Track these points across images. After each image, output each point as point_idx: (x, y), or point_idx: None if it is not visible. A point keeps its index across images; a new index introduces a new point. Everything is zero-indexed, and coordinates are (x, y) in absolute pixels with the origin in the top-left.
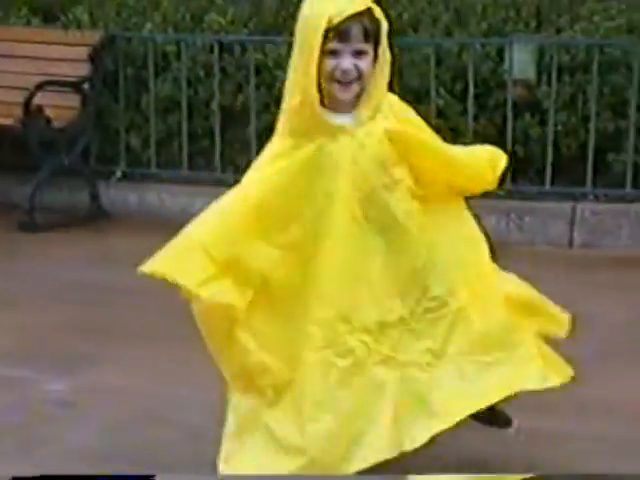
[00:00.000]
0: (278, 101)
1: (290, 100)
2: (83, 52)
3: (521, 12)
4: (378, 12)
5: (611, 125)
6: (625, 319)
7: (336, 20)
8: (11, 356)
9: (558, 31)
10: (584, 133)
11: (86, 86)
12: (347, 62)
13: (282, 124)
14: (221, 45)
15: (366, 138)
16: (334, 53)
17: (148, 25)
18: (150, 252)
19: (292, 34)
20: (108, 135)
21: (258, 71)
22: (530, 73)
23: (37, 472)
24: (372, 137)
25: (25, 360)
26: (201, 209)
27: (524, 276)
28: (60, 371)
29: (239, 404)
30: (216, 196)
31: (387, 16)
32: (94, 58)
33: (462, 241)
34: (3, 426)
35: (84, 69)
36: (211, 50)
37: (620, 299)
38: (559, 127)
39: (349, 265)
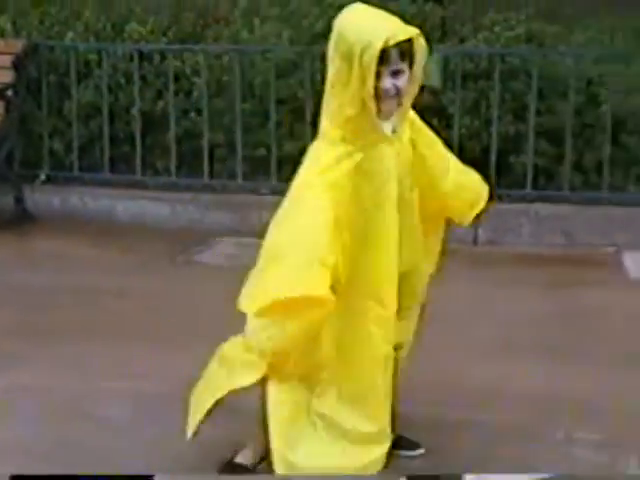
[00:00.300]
0: (196, 107)
1: (344, 111)
2: (7, 60)
3: (427, 22)
4: (419, 37)
5: (512, 129)
6: (526, 312)
7: (390, 43)
8: None
9: (462, 40)
10: (487, 136)
11: (10, 93)
12: (387, 82)
13: (333, 132)
14: (141, 54)
15: (400, 146)
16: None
17: (70, 34)
18: (74, 253)
19: (208, 43)
20: (32, 140)
21: (177, 78)
22: (436, 81)
23: None
24: (403, 144)
25: None
26: (123, 211)
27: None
28: None
29: (283, 399)
30: (136, 198)
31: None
32: (18, 66)
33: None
34: None
35: (8, 76)
36: (131, 58)
37: (521, 294)
38: (463, 131)
39: (395, 267)
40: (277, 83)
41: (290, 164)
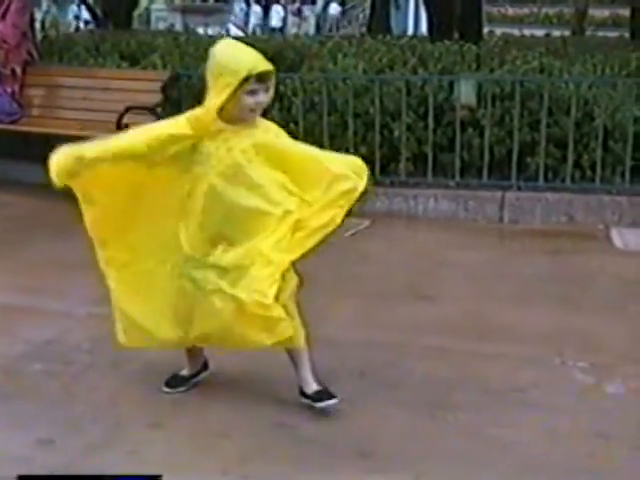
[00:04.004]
0: (294, 120)
1: (200, 109)
2: (157, 85)
3: (465, 57)
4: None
5: (529, 137)
6: (535, 272)
7: (253, 73)
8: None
9: (491, 70)
10: (510, 142)
11: (159, 110)
12: (248, 99)
13: (188, 119)
14: None
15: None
16: (253, 91)
17: (202, 66)
18: None
19: (303, 72)
20: None
21: (280, 98)
22: (472, 100)
23: None
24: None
25: None
26: None
27: (469, 244)
28: None
29: None
30: None
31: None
32: (164, 90)
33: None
34: None
35: (157, 97)
36: None
37: (533, 259)
38: (493, 138)
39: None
40: (354, 102)
41: (364, 162)
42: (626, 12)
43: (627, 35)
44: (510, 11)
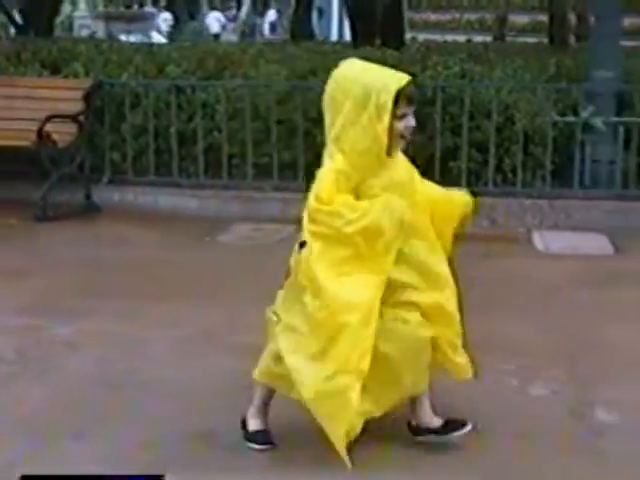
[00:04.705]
0: (217, 127)
1: (356, 146)
2: (79, 94)
3: (387, 63)
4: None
5: (451, 141)
6: (459, 276)
7: (402, 84)
8: (31, 308)
9: (413, 76)
10: (432, 147)
11: (81, 118)
12: (405, 123)
13: (344, 165)
14: (177, 88)
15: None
16: (404, 116)
17: (125, 74)
18: (129, 234)
19: (225, 80)
20: (97, 152)
21: (203, 106)
22: None
23: None
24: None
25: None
26: (164, 204)
27: None
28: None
29: None
30: (173, 194)
31: None
32: (87, 98)
33: None
34: None
35: (80, 106)
36: (169, 91)
37: (456, 263)
38: (415, 143)
39: None
40: (277, 108)
41: (288, 169)
42: (545, 18)
43: (546, 41)
44: (432, 17)
